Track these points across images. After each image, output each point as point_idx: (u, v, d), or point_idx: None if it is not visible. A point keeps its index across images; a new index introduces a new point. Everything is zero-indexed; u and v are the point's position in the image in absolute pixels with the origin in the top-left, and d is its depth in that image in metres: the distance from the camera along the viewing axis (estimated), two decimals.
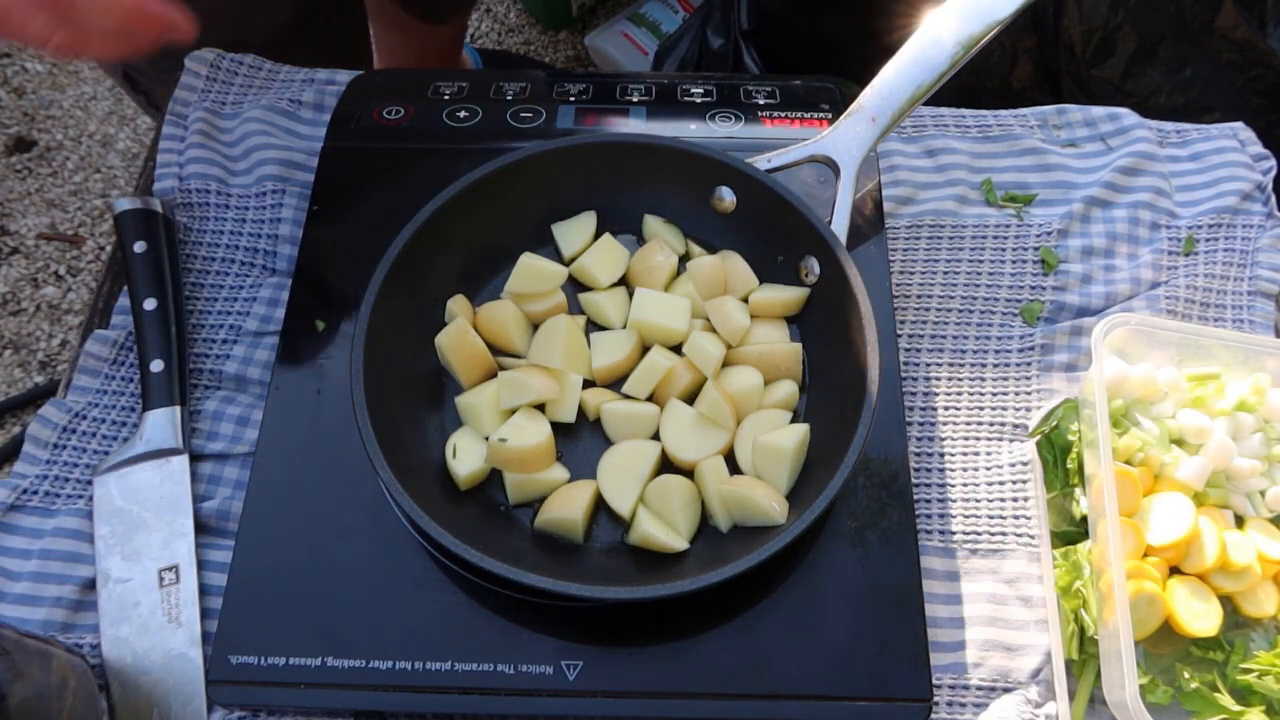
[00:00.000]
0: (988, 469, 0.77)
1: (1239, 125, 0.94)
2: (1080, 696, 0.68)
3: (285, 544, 0.70)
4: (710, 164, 0.79)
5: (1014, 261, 0.86)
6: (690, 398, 0.74)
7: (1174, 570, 0.71)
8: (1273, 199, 0.89)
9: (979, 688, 0.69)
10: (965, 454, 0.78)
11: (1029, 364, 0.82)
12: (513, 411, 0.72)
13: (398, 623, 0.67)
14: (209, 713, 0.67)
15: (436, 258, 0.76)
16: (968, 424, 0.79)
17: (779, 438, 0.70)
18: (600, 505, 0.71)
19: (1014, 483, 0.76)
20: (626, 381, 0.75)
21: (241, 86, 0.95)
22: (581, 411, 0.75)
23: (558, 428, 0.73)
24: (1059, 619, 0.70)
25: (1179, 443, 0.74)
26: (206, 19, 0.95)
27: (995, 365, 0.82)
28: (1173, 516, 0.69)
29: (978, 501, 0.76)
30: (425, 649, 0.66)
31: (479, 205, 0.77)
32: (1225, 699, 0.66)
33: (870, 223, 0.83)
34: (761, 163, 0.79)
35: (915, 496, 0.74)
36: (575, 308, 0.80)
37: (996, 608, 0.72)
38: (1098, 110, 0.95)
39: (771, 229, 0.78)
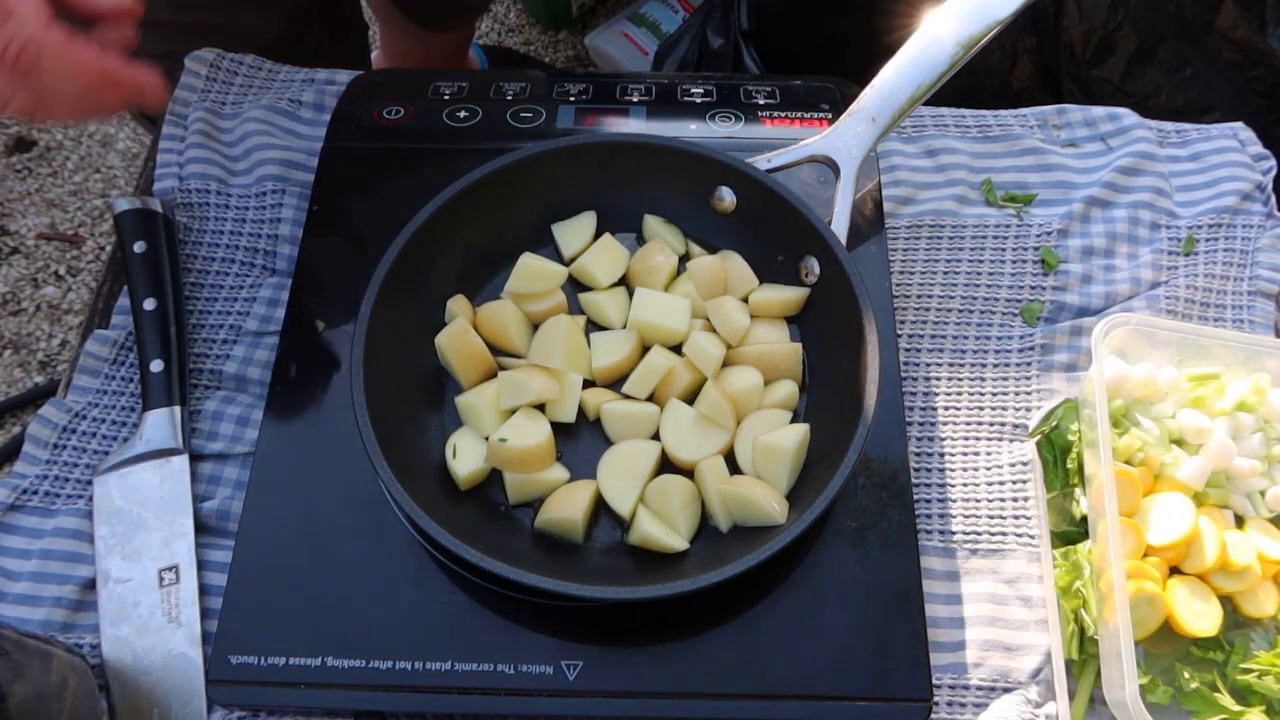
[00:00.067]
0: (988, 469, 0.77)
1: (1239, 125, 0.94)
2: (1080, 696, 0.68)
3: (285, 544, 0.70)
4: (710, 164, 0.79)
5: (1014, 261, 0.86)
6: (690, 398, 0.74)
7: (1174, 570, 0.71)
8: (1273, 199, 0.89)
9: (979, 688, 0.69)
10: (965, 454, 0.78)
11: (1029, 364, 0.82)
12: (513, 411, 0.72)
13: (398, 623, 0.67)
14: (209, 713, 0.67)
15: (436, 258, 0.76)
16: (968, 424, 0.79)
17: (779, 438, 0.70)
18: (600, 505, 0.71)
19: (1014, 483, 0.76)
20: (626, 381, 0.75)
21: (241, 86, 0.95)
22: (581, 411, 0.75)
23: (558, 428, 0.73)
24: (1059, 619, 0.70)
25: (1179, 443, 0.74)
26: (194, 37, 0.95)
27: (995, 365, 0.82)
28: (1173, 516, 0.69)
29: (978, 501, 0.76)
30: (425, 649, 0.66)
31: (479, 205, 0.77)
32: (1225, 699, 0.66)
33: (870, 223, 0.83)
34: (761, 163, 0.79)
35: (915, 496, 0.74)
36: (575, 308, 0.80)
37: (996, 608, 0.72)
38: (1098, 110, 0.95)
39: (771, 229, 0.78)
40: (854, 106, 0.80)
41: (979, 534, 0.75)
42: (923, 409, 0.80)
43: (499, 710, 0.65)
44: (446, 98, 0.91)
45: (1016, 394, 0.81)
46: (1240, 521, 0.73)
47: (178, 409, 0.76)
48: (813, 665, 0.66)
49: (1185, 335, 0.75)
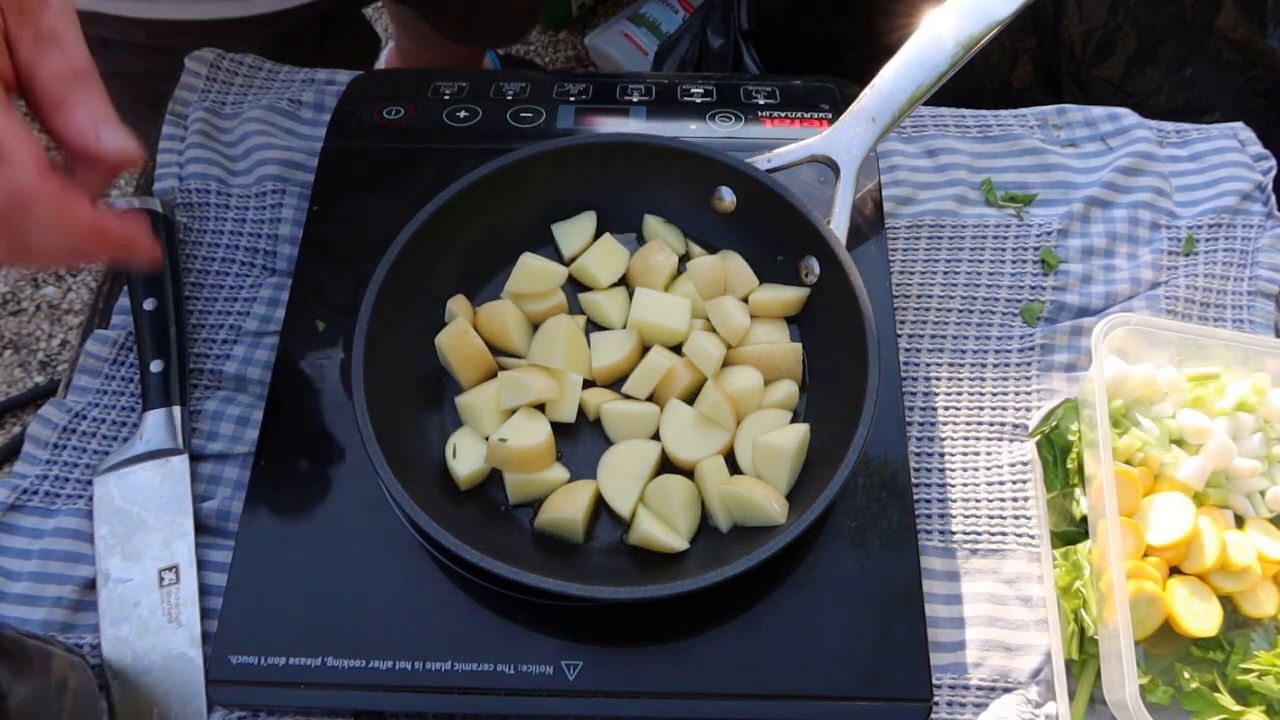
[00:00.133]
0: (988, 469, 0.77)
1: (1239, 125, 0.94)
2: (1080, 696, 0.68)
3: (285, 544, 0.70)
4: (710, 164, 0.79)
5: (1014, 261, 0.86)
6: (690, 398, 0.74)
7: (1174, 570, 0.71)
8: (1273, 199, 0.89)
9: (979, 688, 0.69)
10: (965, 454, 0.78)
11: (1029, 364, 0.82)
12: (513, 411, 0.72)
13: (398, 623, 0.67)
14: (209, 713, 0.67)
15: (436, 258, 0.76)
16: (968, 424, 0.79)
17: (779, 438, 0.70)
18: (600, 505, 0.71)
19: (1014, 483, 0.76)
20: (626, 381, 0.75)
21: (241, 86, 0.95)
22: (581, 411, 0.75)
23: (558, 428, 0.73)
24: (1059, 619, 0.70)
25: (1179, 443, 0.74)
26: (182, 52, 0.94)
27: (995, 365, 0.82)
28: (1173, 516, 0.69)
29: (978, 501, 0.76)
30: (425, 649, 0.66)
31: (479, 205, 0.77)
32: (1225, 699, 0.66)
33: (870, 223, 0.83)
34: (761, 163, 0.79)
35: (915, 496, 0.74)
36: (575, 308, 0.80)
37: (996, 608, 0.72)
38: (1098, 110, 0.95)
39: (771, 229, 0.78)
40: (854, 106, 0.80)
41: (979, 534, 0.75)
42: (923, 409, 0.80)
43: (499, 710, 0.65)
44: (446, 98, 0.91)
45: (1016, 394, 0.81)
46: (1240, 521, 0.73)
47: (178, 409, 0.76)
48: (813, 665, 0.66)
49: (1185, 335, 0.75)
